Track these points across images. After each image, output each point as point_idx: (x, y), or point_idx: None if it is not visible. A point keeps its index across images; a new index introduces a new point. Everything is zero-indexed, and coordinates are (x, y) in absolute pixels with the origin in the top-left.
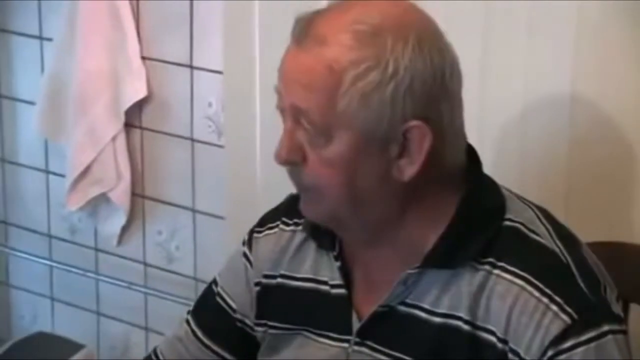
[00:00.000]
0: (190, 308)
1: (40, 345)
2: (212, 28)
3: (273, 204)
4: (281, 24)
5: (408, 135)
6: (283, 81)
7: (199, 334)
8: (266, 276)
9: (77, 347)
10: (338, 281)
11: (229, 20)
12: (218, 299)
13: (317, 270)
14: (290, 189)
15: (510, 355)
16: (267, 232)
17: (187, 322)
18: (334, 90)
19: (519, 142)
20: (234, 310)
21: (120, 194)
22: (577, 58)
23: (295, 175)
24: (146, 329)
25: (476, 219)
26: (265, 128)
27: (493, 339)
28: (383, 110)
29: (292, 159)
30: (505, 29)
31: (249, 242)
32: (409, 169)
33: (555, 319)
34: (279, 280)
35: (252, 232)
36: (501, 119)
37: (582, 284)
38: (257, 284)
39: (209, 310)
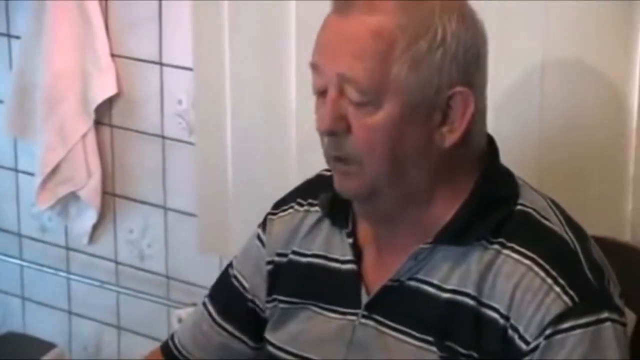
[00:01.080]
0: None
1: (10, 345)
2: (181, 24)
3: (244, 201)
4: (250, 20)
5: (451, 102)
6: (326, 52)
7: (214, 314)
8: (278, 254)
9: (48, 346)
10: (349, 257)
11: (197, 16)
12: (233, 280)
13: (329, 247)
14: (260, 187)
15: (510, 332)
16: (281, 214)
17: (204, 304)
18: (386, 57)
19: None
20: (247, 290)
21: (91, 192)
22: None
23: (335, 146)
24: (118, 327)
25: (491, 200)
26: (236, 125)
27: (496, 315)
28: (432, 77)
29: (336, 128)
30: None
31: (263, 225)
32: (450, 136)
33: (557, 299)
34: (290, 257)
35: (267, 215)
36: None
37: (587, 272)
38: (269, 262)
39: (223, 291)
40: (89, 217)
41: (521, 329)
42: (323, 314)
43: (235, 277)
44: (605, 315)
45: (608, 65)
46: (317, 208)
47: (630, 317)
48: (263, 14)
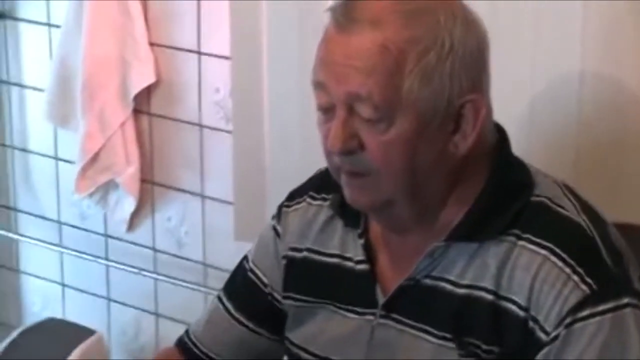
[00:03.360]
0: (221, 287)
1: (50, 331)
2: (220, 13)
3: (281, 190)
4: (288, 10)
5: (463, 110)
6: (332, 70)
7: (231, 309)
8: (293, 249)
9: (87, 332)
10: (361, 257)
11: (236, 6)
12: (250, 275)
13: (344, 247)
14: (298, 174)
15: (530, 323)
16: (295, 206)
17: (219, 298)
18: (397, 71)
19: (528, 125)
20: (265, 285)
21: (130, 180)
22: (585, 37)
23: (350, 163)
24: (156, 314)
25: (504, 194)
26: (273, 113)
27: (515, 308)
28: (443, 87)
29: (349, 148)
30: (512, 12)
31: (278, 216)
32: (463, 144)
33: (575, 289)
34: (305, 253)
35: (281, 206)
36: (509, 102)
37: (605, 257)
38: (284, 257)
39: (240, 286)
40: (128, 205)
41: (541, 320)
42: (341, 313)
43: (252, 271)
44: (625, 301)
45: None
46: (328, 200)
47: None
48: (300, 3)
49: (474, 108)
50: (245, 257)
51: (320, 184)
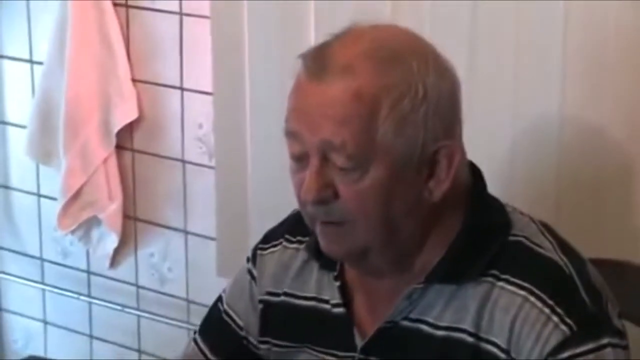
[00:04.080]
0: (197, 329)
1: None
2: (202, 50)
3: (263, 225)
4: (270, 46)
5: (437, 156)
6: (305, 119)
7: (207, 352)
8: (269, 293)
9: None
10: (337, 300)
11: (218, 42)
12: (225, 317)
13: (320, 289)
14: (281, 210)
15: None
16: (271, 249)
17: (195, 341)
18: (371, 119)
19: (509, 165)
20: (241, 328)
21: (112, 217)
22: (565, 80)
23: (325, 212)
24: (139, 351)
25: (481, 235)
26: (256, 149)
27: (495, 350)
28: (417, 135)
29: (323, 197)
30: (491, 49)
31: (253, 259)
32: (438, 189)
33: (555, 330)
34: (282, 298)
35: (256, 249)
36: (490, 143)
37: (584, 296)
38: (260, 301)
39: (215, 329)
40: (110, 241)
41: None
42: (320, 357)
43: (227, 314)
44: (605, 341)
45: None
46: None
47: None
48: (282, 40)
49: (448, 154)
50: (219, 298)
51: (295, 227)
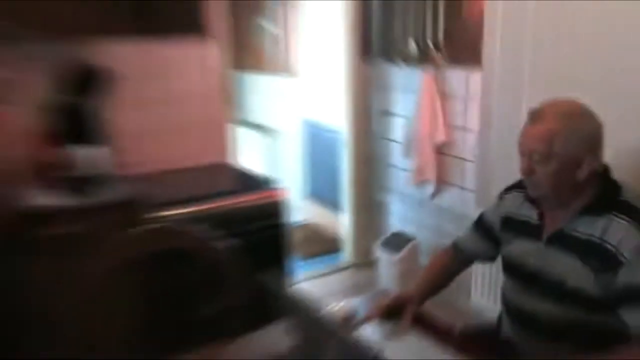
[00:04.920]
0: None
1: None
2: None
3: (502, 186)
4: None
5: (583, 164)
6: (527, 142)
7: (477, 233)
8: (505, 213)
9: None
10: (536, 218)
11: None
12: (485, 220)
13: (529, 214)
14: (509, 180)
15: (618, 256)
16: (506, 195)
17: (472, 227)
18: (553, 143)
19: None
20: (491, 226)
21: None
22: None
23: (531, 179)
24: None
25: (608, 195)
26: (501, 148)
27: (610, 247)
28: (575, 152)
29: (530, 172)
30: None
31: (500, 197)
32: (581, 175)
33: (637, 235)
34: (509, 215)
35: (501, 194)
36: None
37: None
38: (501, 216)
39: (481, 223)
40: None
41: (624, 254)
42: (525, 241)
43: (487, 219)
44: None
45: None
46: (522, 193)
47: None
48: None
49: (589, 163)
50: (481, 215)
51: (519, 186)
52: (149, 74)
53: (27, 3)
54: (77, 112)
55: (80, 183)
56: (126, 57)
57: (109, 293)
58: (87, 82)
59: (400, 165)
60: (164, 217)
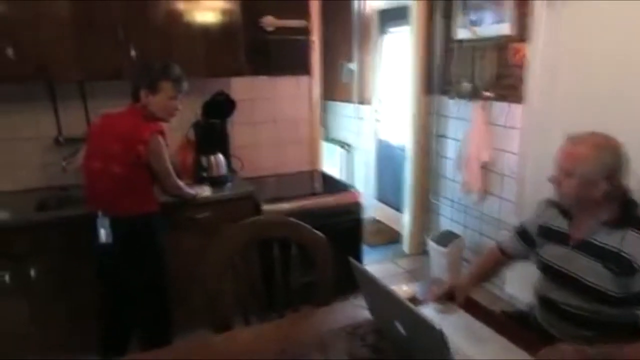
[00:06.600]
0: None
1: None
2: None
3: (539, 197)
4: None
5: (600, 183)
6: (560, 159)
7: (518, 237)
8: (542, 223)
9: None
10: (566, 227)
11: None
12: (524, 228)
13: (560, 224)
14: (545, 192)
15: (633, 264)
16: (547, 206)
17: (514, 235)
18: (578, 166)
19: None
20: (529, 233)
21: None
22: None
23: (558, 186)
24: None
25: (627, 212)
26: (535, 167)
27: (626, 255)
28: (596, 174)
29: (557, 183)
30: None
31: (543, 204)
32: (597, 193)
33: None
34: (546, 225)
35: (545, 201)
36: None
37: None
38: (538, 225)
39: (521, 232)
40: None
41: (637, 262)
42: (556, 247)
43: (525, 228)
44: None
45: None
46: (555, 207)
47: None
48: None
49: (602, 186)
50: (522, 223)
51: (557, 204)
52: (262, 101)
53: (176, 48)
54: (213, 129)
55: (214, 181)
56: (247, 89)
57: (234, 265)
58: (221, 107)
59: (452, 177)
60: (271, 210)
